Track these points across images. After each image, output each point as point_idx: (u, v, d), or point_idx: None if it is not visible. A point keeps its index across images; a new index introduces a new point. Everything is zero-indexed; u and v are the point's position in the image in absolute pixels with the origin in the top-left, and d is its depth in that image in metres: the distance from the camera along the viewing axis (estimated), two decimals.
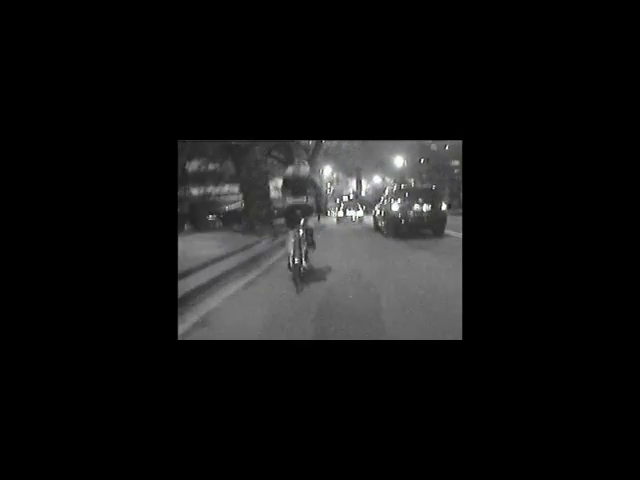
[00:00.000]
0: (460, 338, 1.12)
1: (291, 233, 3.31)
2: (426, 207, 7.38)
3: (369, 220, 13.53)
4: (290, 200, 3.37)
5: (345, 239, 7.96)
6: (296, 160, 4.36)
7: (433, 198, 7.51)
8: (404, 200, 7.47)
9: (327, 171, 22.77)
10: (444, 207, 7.62)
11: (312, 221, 3.56)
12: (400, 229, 7.49)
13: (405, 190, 7.87)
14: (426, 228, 7.56)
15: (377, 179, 37.84)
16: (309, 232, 3.45)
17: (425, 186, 9.24)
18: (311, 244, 3.53)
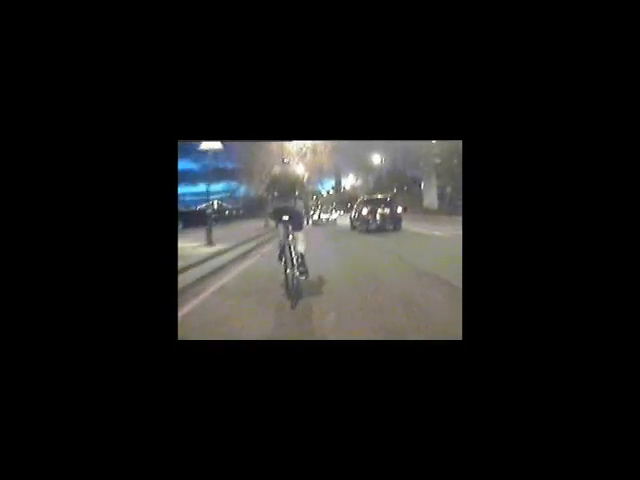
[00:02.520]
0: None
1: (281, 226, 3.01)
2: (386, 210, 10.83)
3: (341, 221, 17.05)
4: (276, 203, 3.00)
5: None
6: (285, 159, 3.76)
7: (391, 205, 11.06)
8: (371, 206, 10.99)
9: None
10: (399, 210, 11.20)
11: (302, 241, 3.09)
12: (369, 226, 10.87)
13: (371, 200, 11.59)
14: (388, 225, 10.82)
15: (375, 159, 27.24)
16: (300, 257, 3.03)
17: (383, 196, 12.50)
18: (303, 272, 3.01)
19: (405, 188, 27.65)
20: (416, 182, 26.18)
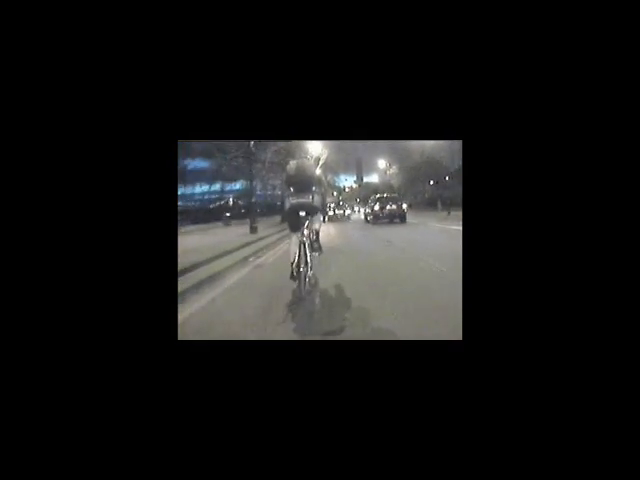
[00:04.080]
0: None
1: (294, 237, 2.91)
2: (394, 206, 13.70)
3: (354, 217, 21.03)
4: (293, 199, 2.89)
5: None
6: (300, 154, 3.94)
7: (397, 201, 14.09)
8: (381, 203, 13.89)
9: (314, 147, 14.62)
10: (405, 206, 14.12)
11: (318, 221, 3.09)
12: (380, 219, 13.76)
13: (382, 197, 14.58)
14: (394, 218, 13.61)
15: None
16: (315, 233, 3.01)
17: (392, 195, 15.95)
18: (317, 248, 3.08)
19: (446, 179, 23.69)
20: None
